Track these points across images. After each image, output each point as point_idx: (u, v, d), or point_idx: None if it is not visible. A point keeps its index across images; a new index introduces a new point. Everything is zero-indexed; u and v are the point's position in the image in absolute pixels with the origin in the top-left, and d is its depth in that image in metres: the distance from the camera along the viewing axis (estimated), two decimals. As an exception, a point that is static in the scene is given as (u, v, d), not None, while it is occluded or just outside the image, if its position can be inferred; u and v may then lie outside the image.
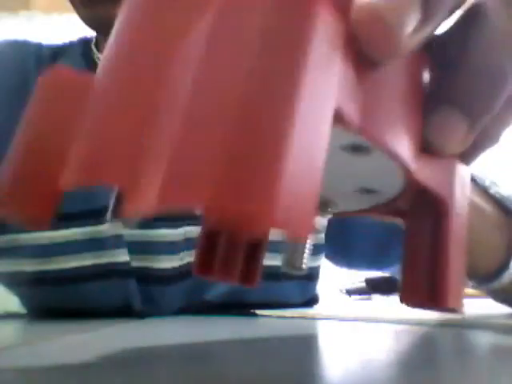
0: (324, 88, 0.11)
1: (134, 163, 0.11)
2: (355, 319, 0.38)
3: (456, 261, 0.17)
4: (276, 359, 0.20)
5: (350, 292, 1.18)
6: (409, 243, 0.19)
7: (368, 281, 1.08)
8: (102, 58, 0.15)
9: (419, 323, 0.35)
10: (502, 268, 0.38)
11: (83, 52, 0.58)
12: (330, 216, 0.20)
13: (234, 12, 0.11)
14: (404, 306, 0.19)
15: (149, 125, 0.12)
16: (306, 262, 0.20)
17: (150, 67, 0.12)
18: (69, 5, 0.49)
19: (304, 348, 0.23)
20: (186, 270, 0.52)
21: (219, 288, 0.54)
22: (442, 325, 0.35)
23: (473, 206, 0.38)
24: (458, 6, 0.16)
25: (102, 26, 0.49)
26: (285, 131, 0.10)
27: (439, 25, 0.14)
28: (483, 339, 0.27)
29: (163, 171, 0.10)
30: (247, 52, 0.11)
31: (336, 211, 0.20)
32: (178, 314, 0.53)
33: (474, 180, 0.42)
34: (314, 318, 0.43)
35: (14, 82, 0.56)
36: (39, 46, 0.60)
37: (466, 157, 0.18)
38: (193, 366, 0.18)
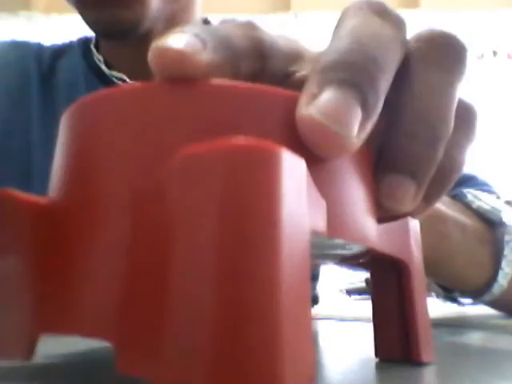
0: (298, 234, 0.11)
1: (123, 324, 0.11)
2: (355, 319, 0.38)
3: (422, 316, 0.18)
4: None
5: (349, 292, 1.17)
6: (376, 296, 0.20)
7: (368, 281, 1.08)
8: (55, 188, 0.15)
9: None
10: (491, 281, 0.39)
11: (83, 53, 0.58)
12: None
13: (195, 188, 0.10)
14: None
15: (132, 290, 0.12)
16: None
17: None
18: (69, 5, 0.49)
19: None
20: None
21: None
22: (441, 324, 0.35)
23: (456, 223, 0.38)
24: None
25: (105, 30, 0.49)
26: (273, 304, 0.10)
27: (379, 112, 0.15)
28: (481, 339, 0.27)
29: (158, 343, 0.10)
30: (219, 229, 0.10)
31: None
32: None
33: (455, 196, 0.42)
34: (314, 318, 0.43)
35: (15, 83, 0.56)
36: (39, 47, 0.60)
37: (434, 194, 0.19)
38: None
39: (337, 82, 0.14)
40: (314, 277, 0.65)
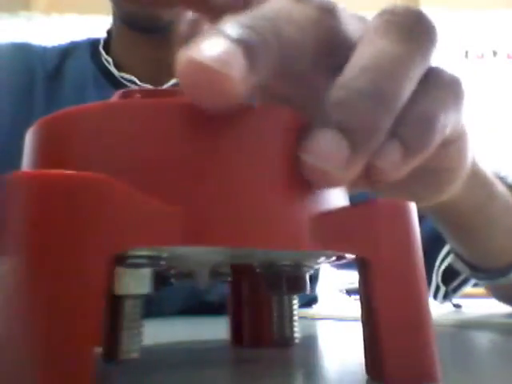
0: None
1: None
2: (355, 319, 0.38)
3: (392, 324, 0.15)
4: (276, 359, 0.20)
5: (349, 292, 1.18)
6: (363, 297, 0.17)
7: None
8: None
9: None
10: None
11: (92, 53, 0.58)
12: None
13: None
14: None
15: None
16: (297, 333, 0.22)
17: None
18: (69, 5, 0.49)
19: (304, 347, 0.23)
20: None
21: (219, 289, 0.54)
22: (442, 324, 0.35)
23: (501, 187, 0.37)
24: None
25: (139, 23, 0.49)
26: None
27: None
28: (483, 339, 0.27)
29: None
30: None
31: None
32: (179, 314, 0.53)
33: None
34: (313, 318, 0.43)
35: (19, 84, 0.56)
36: (43, 48, 0.60)
37: (415, 145, 0.17)
38: (192, 365, 0.18)
39: (333, 124, 0.15)
40: (314, 278, 0.65)
